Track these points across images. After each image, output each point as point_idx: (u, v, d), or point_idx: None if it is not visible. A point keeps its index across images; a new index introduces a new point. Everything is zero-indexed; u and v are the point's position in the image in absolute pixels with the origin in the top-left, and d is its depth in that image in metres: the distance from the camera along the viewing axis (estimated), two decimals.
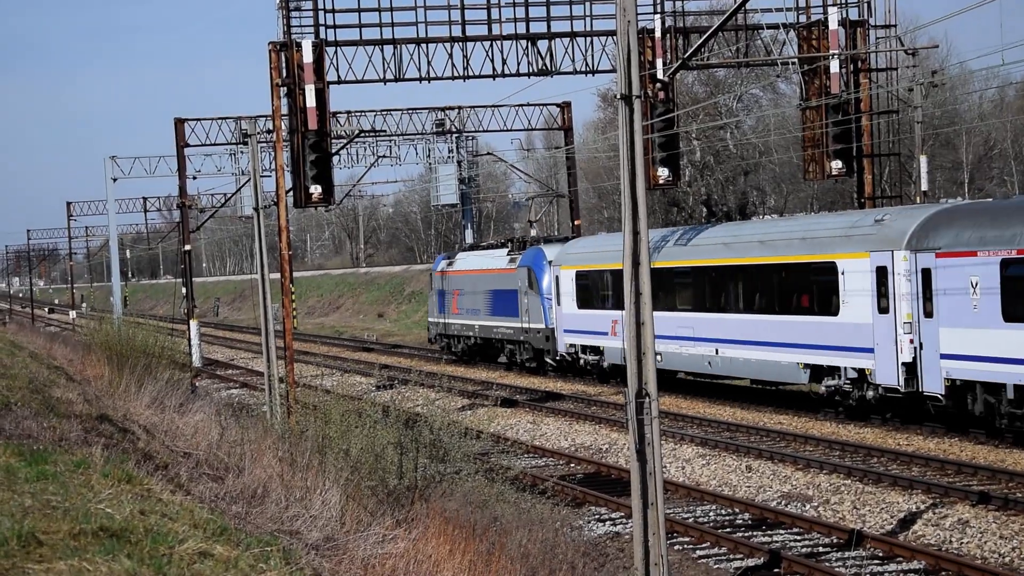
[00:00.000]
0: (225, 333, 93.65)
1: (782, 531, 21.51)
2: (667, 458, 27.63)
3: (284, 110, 37.10)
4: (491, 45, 38.74)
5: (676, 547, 20.43)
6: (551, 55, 39.09)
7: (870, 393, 29.08)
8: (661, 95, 37.20)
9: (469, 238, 71.85)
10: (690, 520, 22.28)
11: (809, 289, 31.56)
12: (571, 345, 43.18)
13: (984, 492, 21.94)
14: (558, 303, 43.84)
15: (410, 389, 37.44)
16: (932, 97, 52.83)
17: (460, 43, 38.47)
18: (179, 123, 60.18)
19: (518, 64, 38.94)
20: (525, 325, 46.89)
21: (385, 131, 61.96)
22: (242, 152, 63.58)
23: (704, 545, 20.81)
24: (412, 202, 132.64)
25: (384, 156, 65.93)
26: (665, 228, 47.75)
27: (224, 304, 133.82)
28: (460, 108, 63.51)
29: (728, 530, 21.72)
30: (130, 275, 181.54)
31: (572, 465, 28.92)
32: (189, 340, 59.38)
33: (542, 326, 45.38)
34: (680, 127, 46.99)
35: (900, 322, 27.78)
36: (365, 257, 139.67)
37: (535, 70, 39.04)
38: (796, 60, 37.75)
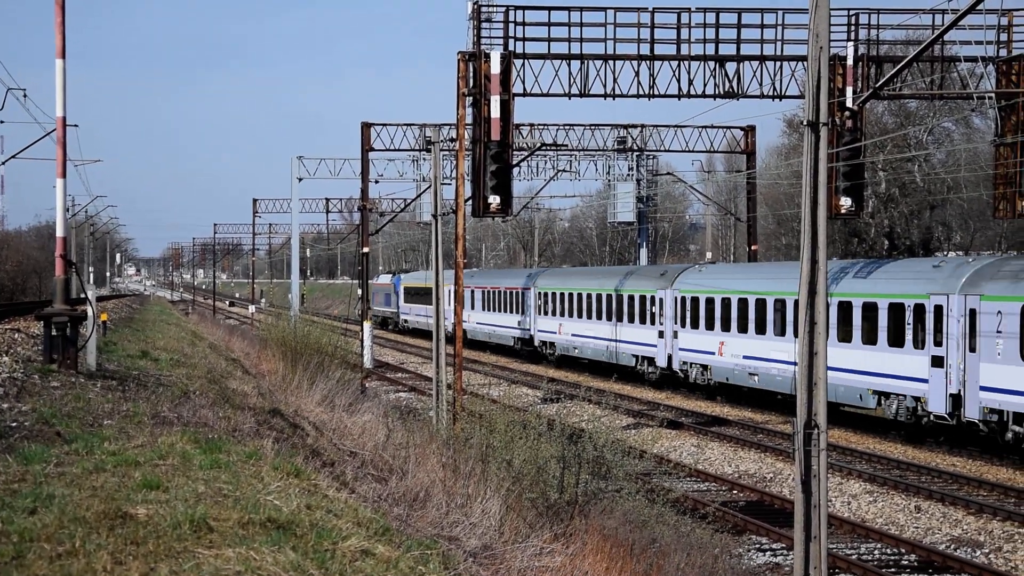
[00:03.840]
0: (396, 336, 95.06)
1: None
2: (833, 492, 27.07)
3: (468, 119, 37.52)
4: (678, 65, 38.59)
5: None
6: (738, 77, 38.77)
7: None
8: (849, 123, 36.58)
9: (644, 257, 71.60)
10: (853, 557, 21.79)
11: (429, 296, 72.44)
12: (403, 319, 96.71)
13: None
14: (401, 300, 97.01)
15: (576, 404, 37.46)
16: None
17: (647, 61, 38.43)
18: (365, 127, 61.34)
19: (704, 85, 38.71)
20: (393, 310, 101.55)
21: (566, 146, 62.20)
22: (424, 159, 64.52)
23: None
24: (588, 218, 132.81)
25: (564, 170, 66.17)
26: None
27: None
28: (642, 126, 63.39)
29: (893, 570, 21.18)
30: (308, 273, 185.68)
31: (735, 492, 28.56)
32: (362, 341, 60.41)
33: (396, 311, 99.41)
34: (866, 157, 46.09)
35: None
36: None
37: (721, 92, 38.74)
38: (993, 94, 36.67)
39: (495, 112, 36.53)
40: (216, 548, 8.26)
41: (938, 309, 32.32)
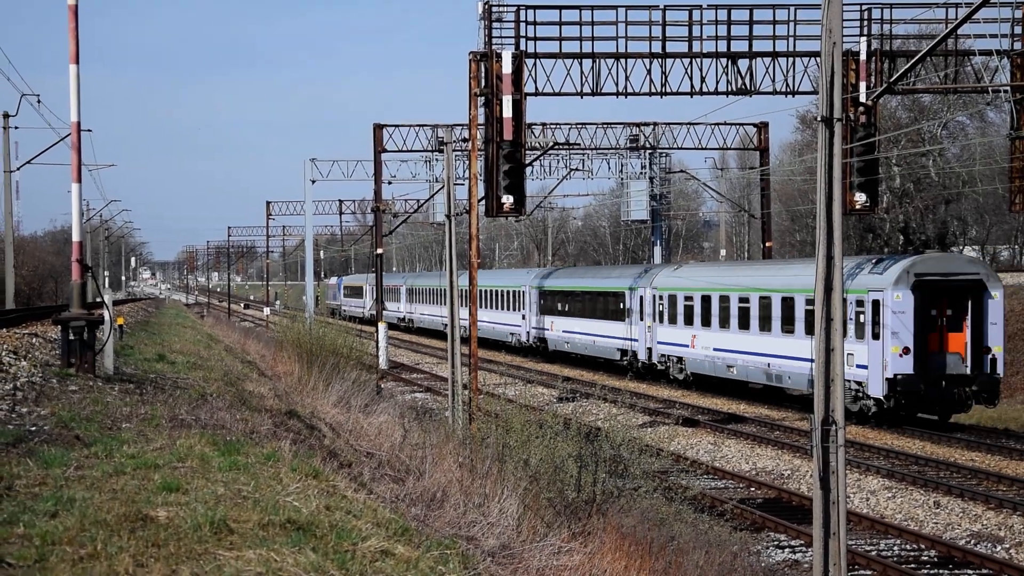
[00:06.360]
0: (411, 337, 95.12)
1: (970, 571, 20.83)
2: (851, 488, 27.02)
3: (480, 119, 37.53)
4: (690, 62, 38.55)
5: None
6: (751, 74, 38.71)
7: None
8: (863, 119, 36.52)
9: (658, 255, 71.55)
10: (873, 553, 21.74)
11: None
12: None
13: None
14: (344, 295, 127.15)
15: (592, 403, 37.44)
16: None
17: (659, 59, 38.39)
18: (378, 129, 61.38)
19: (717, 82, 38.66)
20: (337, 303, 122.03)
21: (579, 144, 62.14)
22: (437, 159, 64.52)
23: None
24: (602, 216, 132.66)
25: (577, 169, 66.12)
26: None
27: None
28: (655, 124, 63.30)
29: (912, 566, 21.13)
30: (323, 275, 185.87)
31: (752, 489, 28.52)
32: (377, 342, 60.44)
33: (339, 303, 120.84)
34: (880, 152, 46.03)
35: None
36: None
37: (734, 89, 38.69)
38: (1008, 88, 36.55)
39: (507, 112, 36.52)
40: (237, 550, 8.27)
41: (524, 293, 66.98)
